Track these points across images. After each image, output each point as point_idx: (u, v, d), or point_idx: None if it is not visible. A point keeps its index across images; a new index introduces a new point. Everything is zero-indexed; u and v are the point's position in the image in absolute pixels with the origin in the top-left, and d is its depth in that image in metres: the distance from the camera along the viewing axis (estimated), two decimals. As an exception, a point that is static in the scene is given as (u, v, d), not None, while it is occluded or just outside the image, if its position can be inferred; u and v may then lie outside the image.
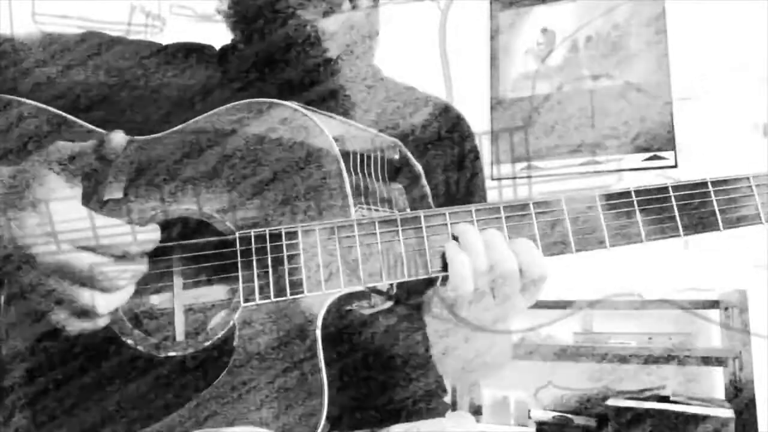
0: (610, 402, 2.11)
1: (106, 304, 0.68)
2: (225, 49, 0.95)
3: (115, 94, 0.86)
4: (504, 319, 0.75)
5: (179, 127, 0.77)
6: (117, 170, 0.75)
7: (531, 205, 0.70)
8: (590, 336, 2.29)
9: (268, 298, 0.69)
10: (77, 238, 0.66)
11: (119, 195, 0.74)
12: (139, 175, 0.75)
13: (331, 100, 0.89)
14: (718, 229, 0.68)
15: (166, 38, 0.96)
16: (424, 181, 0.86)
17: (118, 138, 0.69)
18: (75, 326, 0.68)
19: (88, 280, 0.66)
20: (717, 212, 0.68)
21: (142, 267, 0.69)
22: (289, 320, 0.69)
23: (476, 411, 2.40)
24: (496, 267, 0.68)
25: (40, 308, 0.68)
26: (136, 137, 0.77)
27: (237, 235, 0.71)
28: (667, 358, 2.07)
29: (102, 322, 0.69)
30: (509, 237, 0.70)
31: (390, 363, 0.86)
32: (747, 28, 2.36)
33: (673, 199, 0.69)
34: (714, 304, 2.24)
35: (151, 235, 0.69)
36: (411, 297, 0.89)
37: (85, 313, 0.67)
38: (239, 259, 0.71)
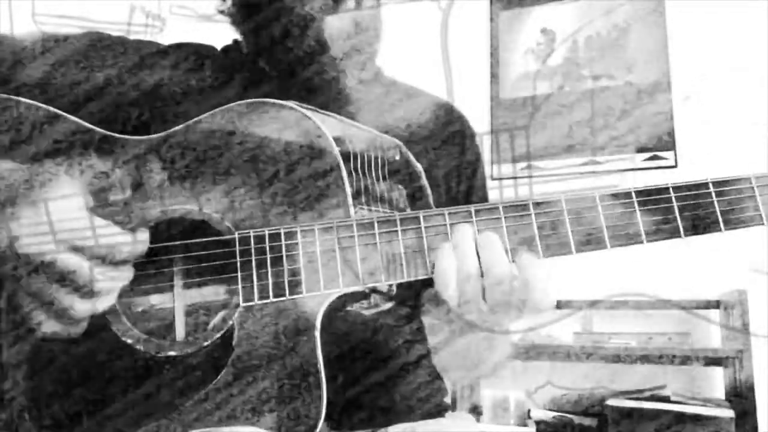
0: (610, 402, 2.10)
1: (84, 309, 0.68)
2: (226, 49, 0.95)
3: (115, 94, 0.85)
4: (498, 322, 0.73)
5: (179, 127, 0.77)
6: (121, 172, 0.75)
7: (531, 205, 0.70)
8: (590, 336, 2.29)
9: (267, 298, 0.69)
10: (70, 238, 0.66)
11: (125, 195, 0.74)
12: (140, 175, 0.75)
13: (333, 100, 0.89)
14: (720, 230, 0.67)
15: (166, 38, 0.96)
16: (424, 181, 0.85)
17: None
18: (49, 328, 0.68)
19: (70, 283, 0.67)
20: (718, 213, 0.67)
21: (126, 274, 0.70)
22: (288, 320, 0.69)
23: (476, 411, 2.39)
24: (488, 271, 0.67)
25: (26, 309, 0.68)
26: (137, 137, 0.77)
27: (236, 235, 0.71)
28: (667, 358, 2.07)
29: (79, 329, 0.69)
30: (507, 236, 0.69)
31: (389, 363, 0.86)
32: (747, 28, 2.36)
33: (674, 199, 0.68)
34: (714, 304, 2.24)
35: (138, 247, 0.70)
36: (411, 297, 0.89)
37: (62, 316, 0.67)
38: (238, 259, 0.70)
